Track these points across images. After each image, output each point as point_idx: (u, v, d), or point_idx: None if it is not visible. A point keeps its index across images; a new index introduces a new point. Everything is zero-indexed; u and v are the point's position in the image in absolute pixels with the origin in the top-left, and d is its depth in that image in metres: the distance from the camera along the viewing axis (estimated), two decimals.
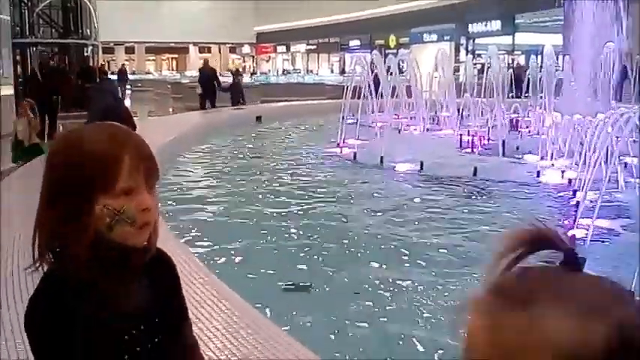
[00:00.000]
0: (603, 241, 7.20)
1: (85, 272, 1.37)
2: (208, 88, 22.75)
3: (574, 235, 7.28)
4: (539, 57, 16.61)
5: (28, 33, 24.33)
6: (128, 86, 35.09)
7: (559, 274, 0.84)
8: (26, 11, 24.31)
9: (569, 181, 9.95)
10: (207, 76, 23.25)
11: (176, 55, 71.77)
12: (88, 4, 25.48)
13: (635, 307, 0.81)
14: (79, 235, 1.36)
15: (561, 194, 9.61)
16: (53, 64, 22.33)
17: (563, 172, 10.63)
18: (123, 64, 40.57)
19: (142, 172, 1.40)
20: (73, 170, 1.38)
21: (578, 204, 8.04)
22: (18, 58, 22.92)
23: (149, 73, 56.75)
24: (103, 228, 1.38)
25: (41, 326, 1.37)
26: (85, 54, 25.46)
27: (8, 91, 17.30)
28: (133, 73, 40.05)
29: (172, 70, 68.62)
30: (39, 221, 1.41)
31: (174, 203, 8.45)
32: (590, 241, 7.02)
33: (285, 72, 62.21)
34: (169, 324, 1.51)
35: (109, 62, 41.82)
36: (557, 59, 16.97)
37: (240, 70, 38.88)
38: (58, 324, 1.35)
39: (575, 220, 7.62)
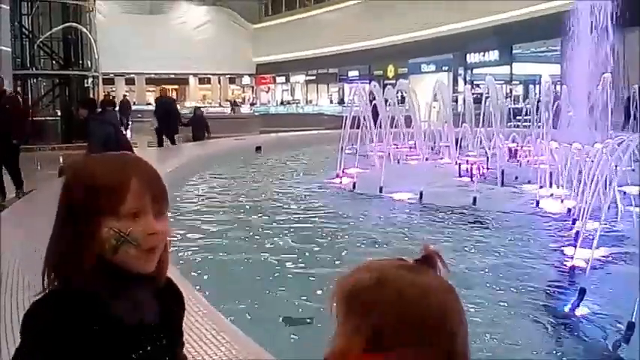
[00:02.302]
0: (603, 271, 7.17)
1: (88, 292, 1.40)
2: (165, 122, 20.16)
3: (573, 265, 7.28)
4: (537, 87, 16.71)
5: (29, 64, 24.46)
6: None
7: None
8: (27, 43, 24.45)
9: (569, 210, 9.95)
10: (165, 107, 20.62)
11: (176, 86, 72.03)
12: (89, 35, 25.64)
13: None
14: (85, 257, 1.39)
15: (561, 223, 9.60)
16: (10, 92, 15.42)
17: (562, 201, 10.64)
18: (125, 95, 40.73)
19: (149, 197, 1.43)
20: (80, 193, 1.42)
21: (577, 233, 8.03)
22: (19, 89, 23.02)
23: (149, 104, 56.89)
24: (109, 251, 1.40)
25: (41, 329, 1.38)
26: (86, 85, 25.56)
27: None
28: (134, 103, 40.13)
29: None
30: (50, 246, 1.45)
31: (172, 234, 8.43)
32: (590, 270, 7.00)
33: (284, 102, 62.48)
34: (174, 349, 1.54)
35: (109, 93, 41.92)
36: (555, 88, 17.07)
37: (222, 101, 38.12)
38: (59, 331, 1.37)
39: (575, 249, 7.61)
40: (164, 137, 20.51)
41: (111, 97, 31.58)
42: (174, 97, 69.76)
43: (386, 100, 16.07)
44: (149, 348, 1.47)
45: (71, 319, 1.38)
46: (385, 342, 1.11)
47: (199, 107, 25.65)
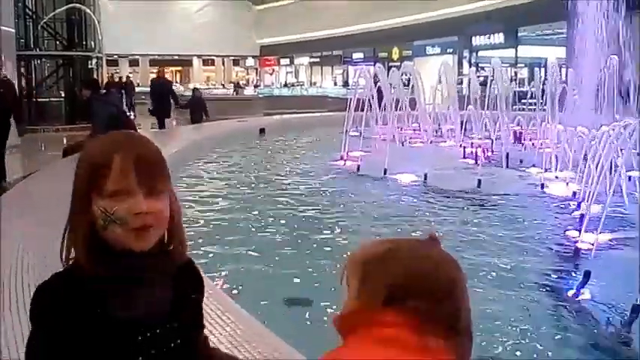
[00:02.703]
0: (608, 254, 7.16)
1: (90, 269, 1.40)
2: (160, 104, 19.27)
3: (578, 248, 7.27)
4: (543, 69, 16.63)
5: (32, 45, 24.40)
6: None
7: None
8: (31, 24, 24.37)
9: (574, 193, 9.93)
10: (161, 89, 19.58)
11: (180, 68, 71.90)
12: (93, 16, 25.56)
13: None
14: (79, 235, 1.42)
15: (566, 206, 9.58)
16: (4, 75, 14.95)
17: (567, 184, 10.62)
18: (128, 77, 40.54)
19: (135, 175, 1.40)
20: (77, 175, 1.45)
21: (582, 216, 8.02)
22: (22, 70, 22.98)
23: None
24: (100, 229, 1.41)
25: (44, 314, 1.39)
26: (90, 66, 25.51)
27: None
28: (138, 85, 39.99)
29: (176, 82, 68.76)
30: (68, 220, 1.48)
31: (179, 213, 8.42)
32: (595, 253, 6.99)
33: (288, 84, 62.33)
34: (186, 332, 1.52)
35: (112, 75, 41.82)
36: (561, 72, 16.99)
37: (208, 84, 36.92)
38: (60, 313, 1.37)
39: (579, 233, 7.60)
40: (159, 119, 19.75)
41: (118, 79, 31.30)
42: (178, 78, 70.11)
43: (391, 84, 16.01)
44: (158, 330, 1.46)
45: (72, 301, 1.38)
46: (399, 298, 1.21)
47: (198, 89, 24.92)
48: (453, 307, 1.23)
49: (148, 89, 21.54)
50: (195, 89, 24.13)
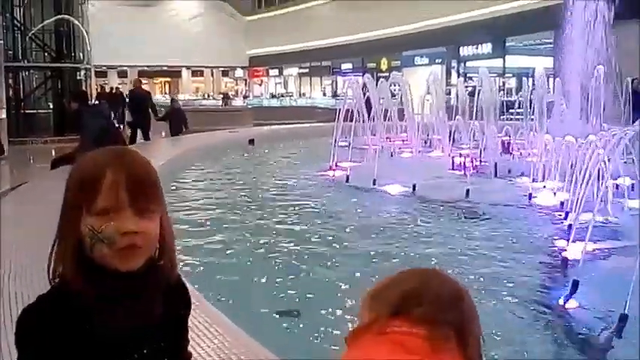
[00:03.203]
0: (596, 263, 7.18)
1: (78, 288, 1.38)
2: (140, 115, 18.70)
3: (565, 257, 7.29)
4: (530, 79, 16.71)
5: (20, 57, 24.32)
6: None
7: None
8: (19, 35, 24.30)
9: (562, 202, 9.96)
10: (139, 100, 18.96)
11: (169, 79, 71.88)
12: (81, 27, 25.50)
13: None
14: (67, 253, 1.39)
15: (553, 216, 9.62)
16: None
17: (555, 193, 10.66)
18: (117, 88, 40.40)
19: (126, 194, 1.38)
20: (66, 190, 1.42)
21: (570, 226, 8.04)
22: (10, 82, 22.90)
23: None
24: (88, 248, 1.38)
25: (31, 336, 1.36)
26: (78, 78, 25.44)
27: (1, 114, 17.28)
28: (126, 96, 39.94)
29: (165, 93, 68.69)
30: (53, 245, 1.45)
31: (170, 233, 8.39)
32: (583, 262, 7.00)
33: (277, 95, 62.37)
34: (174, 351, 1.52)
35: (103, 86, 41.72)
36: (548, 82, 17.07)
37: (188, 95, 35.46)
38: (49, 335, 1.35)
39: (567, 242, 7.62)
40: (138, 132, 19.37)
41: (109, 89, 30.88)
42: (167, 89, 70.03)
43: (382, 97, 16.05)
44: (145, 351, 1.45)
45: (58, 322, 1.36)
46: (406, 309, 1.24)
47: (176, 99, 24.20)
48: (459, 318, 1.26)
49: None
50: (173, 100, 23.36)
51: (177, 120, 19.96)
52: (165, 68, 67.20)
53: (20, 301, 4.79)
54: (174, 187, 11.81)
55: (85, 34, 25.71)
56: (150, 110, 18.94)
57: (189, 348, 1.67)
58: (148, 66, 64.35)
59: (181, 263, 6.76)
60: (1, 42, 18.89)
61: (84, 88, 24.21)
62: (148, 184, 1.43)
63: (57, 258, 1.42)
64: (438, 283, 1.29)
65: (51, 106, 24.51)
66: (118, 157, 1.42)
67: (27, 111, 23.83)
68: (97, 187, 1.37)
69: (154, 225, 1.43)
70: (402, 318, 1.22)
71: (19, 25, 24.26)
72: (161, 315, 1.48)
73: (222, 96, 60.56)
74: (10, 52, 23.47)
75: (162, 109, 35.73)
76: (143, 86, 23.24)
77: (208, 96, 63.27)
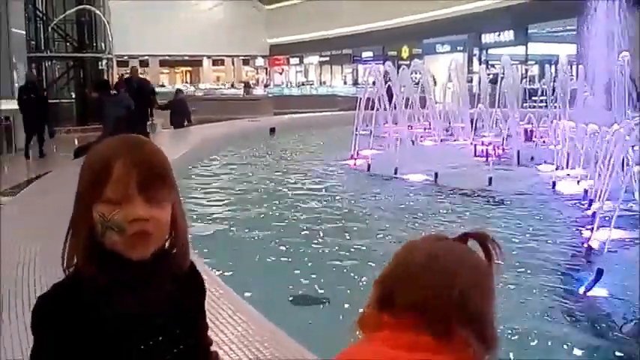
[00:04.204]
0: (620, 252, 7.12)
1: (92, 276, 1.38)
2: (138, 106, 15.36)
3: (589, 246, 7.24)
4: (553, 67, 16.56)
5: (43, 47, 24.47)
6: None
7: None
8: (41, 26, 24.42)
9: (585, 191, 9.88)
10: (137, 89, 16.73)
11: (190, 68, 72.02)
12: (103, 17, 25.59)
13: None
14: (79, 240, 1.40)
15: (577, 204, 9.54)
16: None
17: (579, 181, 10.57)
18: (122, 75, 40.25)
19: (135, 182, 1.38)
20: (79, 179, 1.43)
21: (594, 214, 7.98)
22: (34, 72, 23.06)
23: (163, 86, 56.98)
24: (99, 235, 1.39)
25: (47, 323, 1.38)
26: (100, 67, 25.56)
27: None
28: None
29: (186, 82, 68.89)
30: (70, 225, 1.45)
31: (187, 215, 8.44)
32: (607, 251, 6.95)
33: (298, 84, 62.32)
34: (189, 338, 1.52)
35: (122, 75, 41.88)
36: (571, 69, 16.93)
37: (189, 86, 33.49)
38: (65, 322, 1.36)
39: (591, 231, 7.57)
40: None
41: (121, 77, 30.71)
42: (189, 79, 70.22)
43: (403, 85, 16.01)
44: (161, 338, 1.45)
45: (73, 310, 1.36)
46: (391, 301, 1.24)
47: (181, 90, 23.04)
48: (452, 302, 1.21)
49: (159, 90, 21.01)
50: (178, 90, 22.37)
51: (180, 112, 19.15)
52: (186, 57, 67.27)
53: (40, 288, 4.84)
54: (194, 176, 11.86)
55: (106, 24, 25.79)
56: (151, 99, 17.95)
57: (212, 334, 1.67)
58: (169, 55, 64.52)
59: (205, 251, 6.82)
60: (24, 33, 18.96)
61: (106, 77, 24.29)
62: (157, 173, 1.43)
63: (71, 246, 1.43)
64: (423, 264, 1.25)
65: (73, 96, 24.65)
66: (128, 146, 1.43)
67: (50, 101, 23.96)
68: (107, 175, 1.37)
69: (164, 213, 1.43)
70: (387, 311, 1.23)
71: (41, 15, 24.39)
72: (175, 302, 1.48)
73: (243, 85, 60.67)
74: (33, 42, 23.62)
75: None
76: (162, 75, 22.88)
77: (232, 85, 63.32)
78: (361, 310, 1.32)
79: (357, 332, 1.32)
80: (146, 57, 64.13)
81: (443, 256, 1.25)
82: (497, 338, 1.27)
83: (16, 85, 17.06)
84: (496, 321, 1.28)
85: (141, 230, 1.38)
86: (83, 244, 1.39)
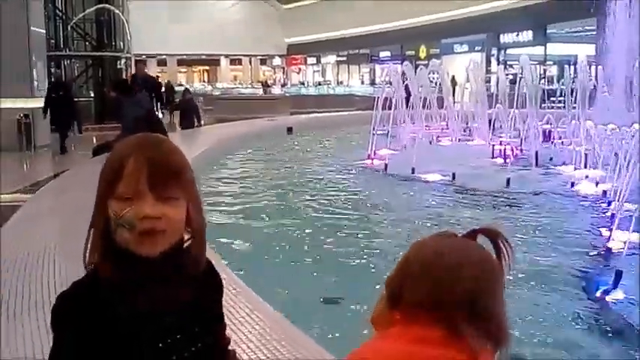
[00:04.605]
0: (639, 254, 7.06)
1: (109, 273, 1.39)
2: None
3: (608, 247, 7.19)
4: (572, 67, 16.46)
5: (62, 46, 24.63)
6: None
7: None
8: (61, 25, 24.61)
9: (604, 192, 9.82)
10: (142, 85, 15.75)
11: (207, 67, 72.29)
12: (121, 16, 25.73)
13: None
14: (94, 239, 1.42)
15: (596, 205, 9.48)
16: None
17: (597, 183, 10.50)
18: (157, 77, 40.45)
19: (146, 179, 1.39)
20: (101, 176, 1.44)
21: (613, 215, 7.92)
22: (52, 70, 23.21)
23: (181, 85, 57.23)
24: (113, 232, 1.40)
25: (67, 321, 1.39)
26: (119, 66, 25.70)
27: (43, 103, 17.51)
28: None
29: (204, 82, 69.11)
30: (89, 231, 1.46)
31: (200, 221, 8.45)
32: (626, 253, 6.90)
33: (315, 83, 62.34)
34: (207, 335, 1.52)
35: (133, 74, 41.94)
36: (590, 69, 16.82)
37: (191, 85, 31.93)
38: (85, 320, 1.37)
39: (610, 232, 7.51)
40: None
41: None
42: (206, 78, 70.40)
43: (420, 85, 15.98)
44: (179, 336, 1.45)
45: (93, 308, 1.37)
46: (399, 299, 1.27)
47: (188, 89, 22.48)
48: (457, 298, 1.22)
49: (176, 89, 20.93)
50: (186, 90, 21.81)
51: (189, 112, 18.37)
52: (203, 57, 67.56)
53: (60, 286, 4.87)
54: (212, 175, 11.89)
55: (125, 23, 25.93)
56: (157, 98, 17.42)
57: (229, 333, 1.67)
58: (186, 54, 64.79)
59: (222, 250, 6.83)
60: (44, 31, 19.08)
61: (124, 76, 24.41)
62: (170, 170, 1.43)
63: (90, 244, 1.44)
64: (430, 261, 1.26)
65: (92, 95, 24.80)
66: (142, 144, 1.45)
67: None
68: (120, 173, 1.39)
69: (177, 211, 1.43)
70: (397, 308, 1.26)
71: (60, 14, 24.57)
72: (192, 301, 1.49)
73: (261, 84, 60.76)
74: (52, 41, 23.78)
75: (200, 98, 35.98)
76: (180, 74, 22.70)
77: (251, 84, 63.43)
78: (373, 308, 1.34)
79: (366, 330, 1.37)
80: (164, 56, 64.44)
81: (448, 253, 1.26)
82: (508, 335, 1.27)
83: (35, 83, 17.18)
84: (506, 318, 1.27)
85: (150, 228, 1.39)
86: (99, 241, 1.41)
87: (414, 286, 1.25)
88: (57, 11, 24.33)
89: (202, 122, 19.11)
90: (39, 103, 16.91)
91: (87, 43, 25.53)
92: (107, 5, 24.99)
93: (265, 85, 53.26)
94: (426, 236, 1.35)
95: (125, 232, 1.38)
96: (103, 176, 1.42)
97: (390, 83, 15.67)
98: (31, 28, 17.02)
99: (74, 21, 24.65)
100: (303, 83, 63.22)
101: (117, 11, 25.42)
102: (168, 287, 1.44)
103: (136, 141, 1.46)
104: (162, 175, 1.41)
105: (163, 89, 23.83)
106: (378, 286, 4.61)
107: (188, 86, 33.46)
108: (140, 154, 1.41)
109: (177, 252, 1.45)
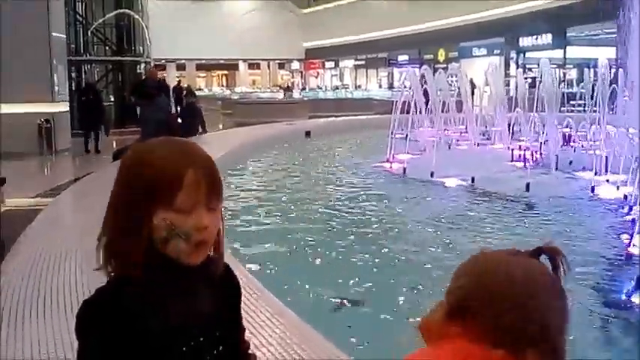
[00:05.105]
0: None
1: (139, 281, 1.39)
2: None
3: (630, 252, 7.14)
4: (592, 70, 16.36)
5: (82, 51, 24.85)
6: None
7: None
8: (81, 30, 24.83)
9: (625, 196, 9.75)
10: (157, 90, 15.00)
11: (226, 72, 72.58)
12: (141, 22, 25.92)
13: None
14: (136, 245, 1.38)
15: (617, 210, 9.41)
16: None
17: (618, 187, 10.42)
18: (179, 81, 40.58)
19: (204, 190, 1.40)
20: (139, 182, 1.39)
21: (634, 220, 7.87)
22: (73, 75, 23.41)
23: (200, 90, 57.46)
24: (159, 241, 1.39)
25: (91, 328, 1.38)
26: (138, 71, 25.88)
27: (64, 107, 17.68)
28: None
29: (222, 86, 69.39)
30: (105, 228, 1.43)
31: (226, 218, 8.50)
32: None
33: (333, 87, 62.38)
34: (229, 338, 1.53)
35: (161, 78, 42.14)
36: (611, 72, 16.70)
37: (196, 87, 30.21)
38: (109, 327, 1.37)
39: (631, 237, 7.46)
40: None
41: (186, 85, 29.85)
42: (225, 82, 70.62)
43: (439, 89, 15.95)
44: (201, 339, 1.46)
45: (118, 314, 1.37)
46: (464, 314, 1.20)
47: (192, 92, 21.53)
48: (528, 322, 1.18)
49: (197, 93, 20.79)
50: (189, 92, 21.18)
51: (191, 118, 17.28)
52: (222, 61, 67.85)
53: (81, 289, 4.91)
54: (232, 179, 11.93)
55: (144, 28, 26.12)
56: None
57: (250, 337, 1.68)
58: (205, 59, 65.08)
59: (242, 254, 6.86)
60: (64, 36, 19.27)
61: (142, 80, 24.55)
62: (218, 182, 1.45)
63: (121, 250, 1.40)
64: (501, 279, 1.21)
65: (112, 99, 24.98)
66: (195, 154, 1.44)
67: None
68: (179, 183, 1.38)
69: (217, 219, 1.45)
70: (456, 322, 1.21)
71: (81, 19, 24.79)
72: (214, 305, 1.50)
73: (279, 88, 60.87)
74: (73, 46, 23.99)
75: (219, 102, 35.95)
76: (199, 79, 22.37)
77: (270, 88, 63.60)
78: (422, 317, 1.29)
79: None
80: (183, 61, 64.77)
81: (522, 277, 1.22)
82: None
83: (56, 88, 17.35)
84: (566, 342, 1.27)
85: (205, 238, 1.41)
86: (142, 249, 1.38)
87: (482, 305, 1.20)
88: (77, 16, 24.54)
89: (206, 129, 18.11)
90: (60, 107, 17.09)
91: (107, 47, 25.74)
92: (127, 10, 25.20)
93: (287, 89, 53.31)
94: (488, 250, 1.31)
95: (181, 243, 1.39)
96: (149, 184, 1.38)
97: (410, 87, 15.65)
98: (52, 33, 17.20)
99: (94, 26, 24.88)
100: (326, 87, 63.25)
101: (136, 16, 25.63)
102: (196, 299, 1.46)
103: (186, 149, 1.44)
104: (215, 187, 1.43)
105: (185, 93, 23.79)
106: (397, 290, 4.64)
107: (200, 88, 32.77)
108: (199, 164, 1.41)
109: (209, 261, 1.48)
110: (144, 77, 21.23)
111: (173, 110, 19.67)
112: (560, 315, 1.24)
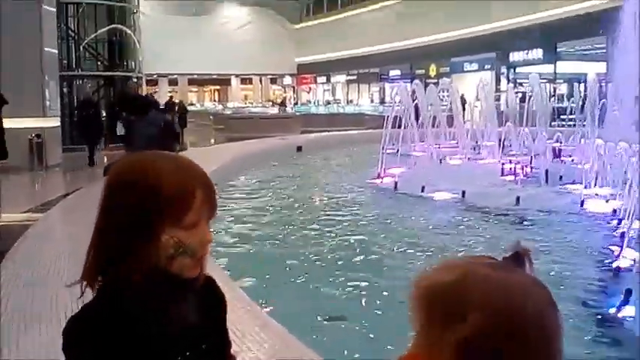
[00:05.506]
0: None
1: (136, 297, 1.38)
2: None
3: (618, 266, 7.16)
4: (582, 85, 16.47)
5: (74, 66, 24.84)
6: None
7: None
8: (73, 45, 24.83)
9: (614, 210, 9.79)
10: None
11: (218, 87, 72.65)
12: (133, 36, 25.96)
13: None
14: (141, 263, 1.36)
15: (606, 224, 9.45)
16: None
17: (607, 201, 10.47)
18: (171, 97, 40.53)
19: (207, 206, 1.42)
20: (145, 199, 1.37)
21: (623, 234, 7.90)
22: (65, 90, 23.38)
23: (192, 105, 57.44)
24: (164, 258, 1.38)
25: (79, 344, 1.37)
26: (130, 86, 25.89)
27: (55, 122, 17.66)
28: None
29: (214, 101, 69.41)
30: (97, 243, 1.41)
31: (215, 233, 8.51)
32: (636, 271, 6.87)
33: (325, 102, 62.52)
34: (215, 353, 1.53)
35: (151, 94, 42.19)
36: (601, 87, 16.81)
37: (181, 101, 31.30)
38: (97, 343, 1.36)
39: (620, 250, 7.49)
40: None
41: (176, 100, 29.85)
42: (217, 97, 70.62)
43: (430, 104, 16.01)
44: (188, 353, 1.46)
45: (106, 329, 1.36)
46: (470, 354, 1.00)
47: (172, 104, 21.36)
48: (545, 349, 1.03)
49: (188, 108, 20.84)
50: (171, 104, 21.27)
51: (167, 136, 17.18)
52: (214, 76, 67.94)
53: (70, 305, 4.90)
54: (222, 194, 11.92)
55: (136, 43, 26.15)
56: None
57: (238, 350, 1.68)
58: (197, 74, 65.14)
59: (231, 268, 6.85)
60: (56, 51, 19.27)
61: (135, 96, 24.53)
62: (215, 196, 1.47)
63: (123, 265, 1.37)
64: (518, 303, 1.04)
65: (104, 114, 24.94)
66: (199, 172, 1.45)
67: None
68: (190, 202, 1.38)
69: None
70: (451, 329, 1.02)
71: (73, 35, 24.79)
72: (200, 318, 1.49)
73: (271, 103, 60.99)
74: (65, 61, 23.99)
75: (211, 117, 35.86)
76: (190, 94, 22.27)
77: (262, 103, 63.73)
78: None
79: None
80: (175, 76, 64.82)
81: (534, 291, 1.08)
82: None
83: (48, 103, 17.32)
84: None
85: (207, 252, 1.44)
86: (145, 265, 1.37)
87: (517, 352, 1.00)
88: (69, 32, 24.55)
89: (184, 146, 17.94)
90: (51, 122, 17.05)
91: (99, 62, 25.74)
92: (119, 26, 25.23)
93: (281, 104, 53.39)
94: (470, 259, 1.13)
95: (187, 259, 1.40)
96: (155, 203, 1.36)
97: (401, 102, 15.70)
98: (44, 48, 17.19)
99: (86, 41, 24.87)
100: (317, 102, 63.42)
101: (128, 31, 25.66)
102: (186, 305, 1.46)
103: (191, 167, 1.45)
104: (215, 202, 1.45)
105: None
106: (385, 305, 4.64)
107: (192, 103, 32.38)
108: (204, 182, 1.43)
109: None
110: (128, 92, 21.26)
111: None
112: (553, 329, 1.09)
